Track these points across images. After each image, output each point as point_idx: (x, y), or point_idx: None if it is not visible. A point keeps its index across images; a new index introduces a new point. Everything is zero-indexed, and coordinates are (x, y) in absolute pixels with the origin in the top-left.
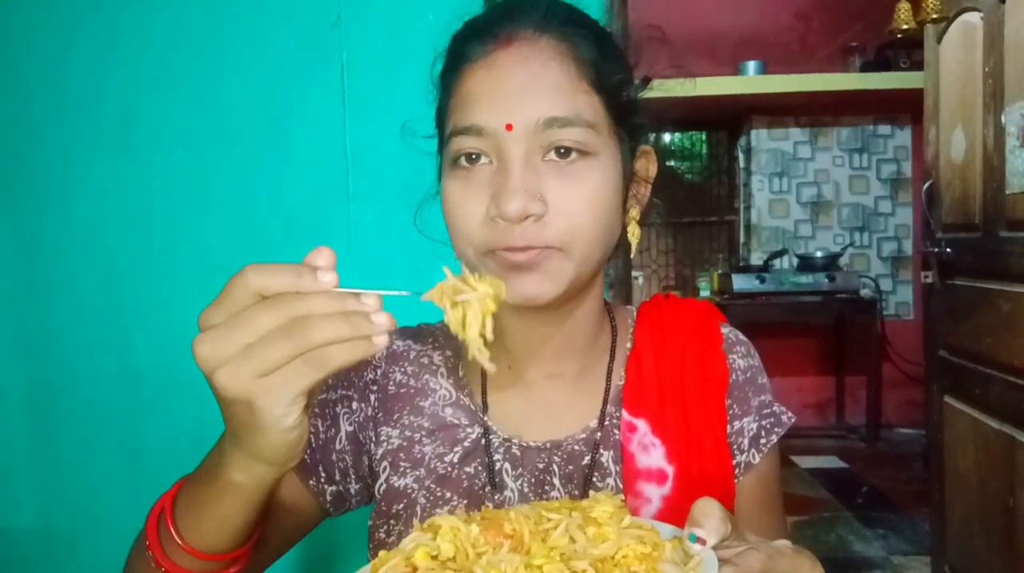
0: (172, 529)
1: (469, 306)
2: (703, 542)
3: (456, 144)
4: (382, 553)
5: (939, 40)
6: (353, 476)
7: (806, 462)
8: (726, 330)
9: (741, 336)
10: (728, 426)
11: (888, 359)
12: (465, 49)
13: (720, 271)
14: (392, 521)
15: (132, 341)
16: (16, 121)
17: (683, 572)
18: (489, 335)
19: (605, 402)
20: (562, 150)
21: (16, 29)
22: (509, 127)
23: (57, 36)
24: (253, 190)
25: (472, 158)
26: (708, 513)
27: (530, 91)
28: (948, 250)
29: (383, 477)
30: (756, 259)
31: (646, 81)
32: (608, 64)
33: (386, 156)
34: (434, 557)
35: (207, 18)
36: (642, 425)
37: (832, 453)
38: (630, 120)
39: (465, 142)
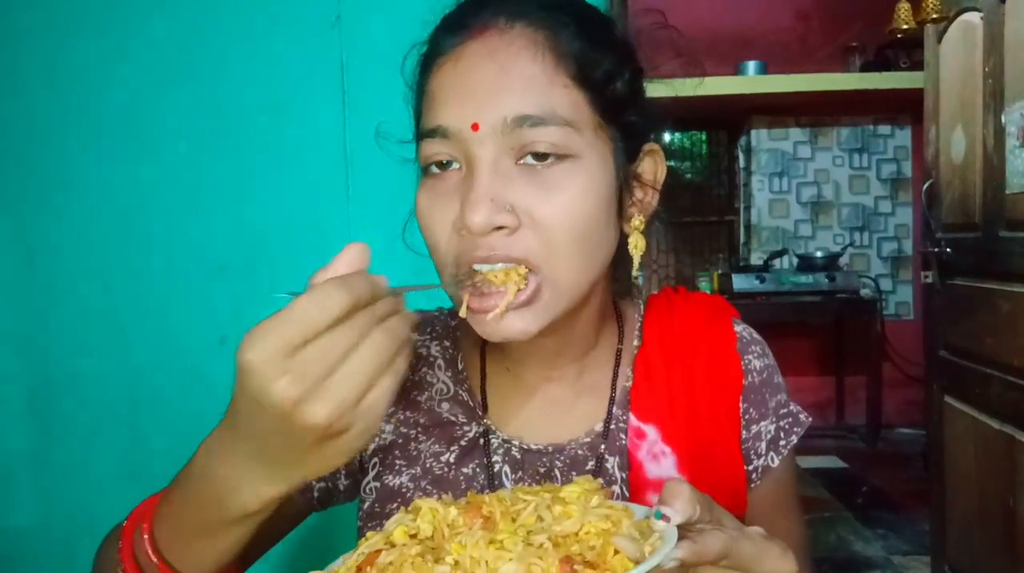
0: (151, 552)
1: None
2: (667, 519)
3: (424, 149)
4: (368, 533)
5: (939, 40)
6: (343, 471)
7: (806, 462)
8: (739, 328)
9: (755, 334)
10: (744, 431)
11: (888, 359)
12: (436, 43)
13: (720, 271)
14: (386, 521)
15: (132, 341)
16: (16, 121)
17: (638, 545)
18: None
19: (611, 405)
20: (537, 154)
21: (16, 29)
22: (475, 127)
23: (57, 36)
24: (252, 190)
25: (443, 165)
26: (676, 493)
27: (498, 87)
28: (948, 250)
29: (372, 474)
30: (756, 259)
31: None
32: (595, 54)
33: (386, 156)
34: (413, 536)
35: (207, 18)
36: (652, 432)
37: (832, 453)
38: (625, 117)
39: (432, 147)
